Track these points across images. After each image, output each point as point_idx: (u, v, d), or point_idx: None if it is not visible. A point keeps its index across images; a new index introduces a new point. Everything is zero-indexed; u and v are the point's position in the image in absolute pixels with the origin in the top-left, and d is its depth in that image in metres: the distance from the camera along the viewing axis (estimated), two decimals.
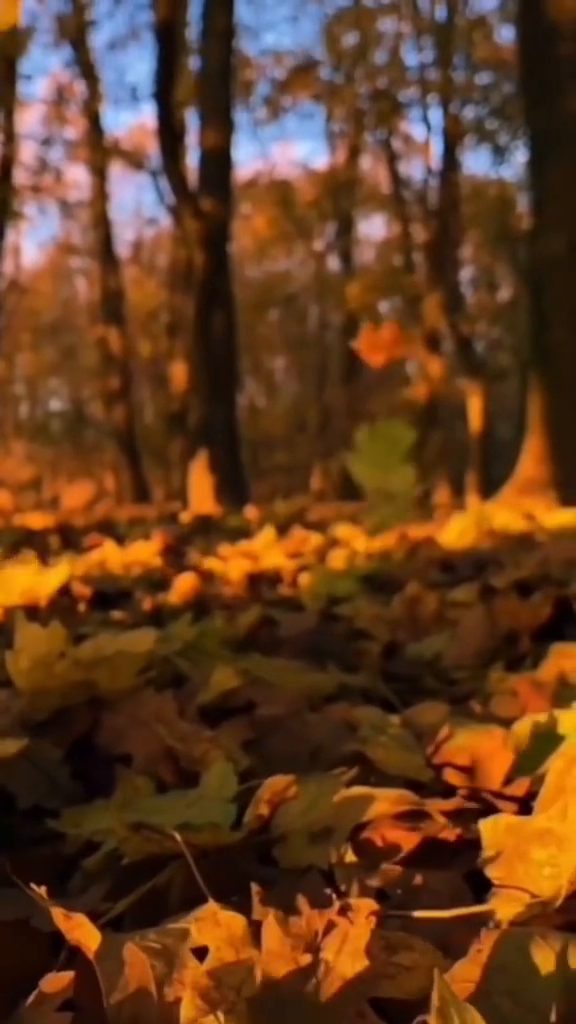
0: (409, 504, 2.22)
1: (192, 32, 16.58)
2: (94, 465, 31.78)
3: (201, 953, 0.67)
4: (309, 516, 6.81)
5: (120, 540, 3.78)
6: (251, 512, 7.35)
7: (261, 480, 26.65)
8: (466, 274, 29.57)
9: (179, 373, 18.91)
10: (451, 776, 1.02)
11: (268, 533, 3.68)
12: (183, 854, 0.80)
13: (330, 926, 0.67)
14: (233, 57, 15.40)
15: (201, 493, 12.39)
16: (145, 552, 3.09)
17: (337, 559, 2.89)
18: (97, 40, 36.14)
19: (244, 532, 4.84)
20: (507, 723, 1.11)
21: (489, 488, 13.62)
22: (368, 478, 2.32)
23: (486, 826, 0.79)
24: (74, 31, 20.67)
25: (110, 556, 3.01)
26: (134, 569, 2.89)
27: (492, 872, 0.77)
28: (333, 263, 29.91)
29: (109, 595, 2.42)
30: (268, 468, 32.00)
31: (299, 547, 3.56)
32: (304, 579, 2.60)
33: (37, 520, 6.12)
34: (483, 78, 23.13)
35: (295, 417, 33.47)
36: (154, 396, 31.55)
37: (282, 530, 4.50)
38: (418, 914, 0.71)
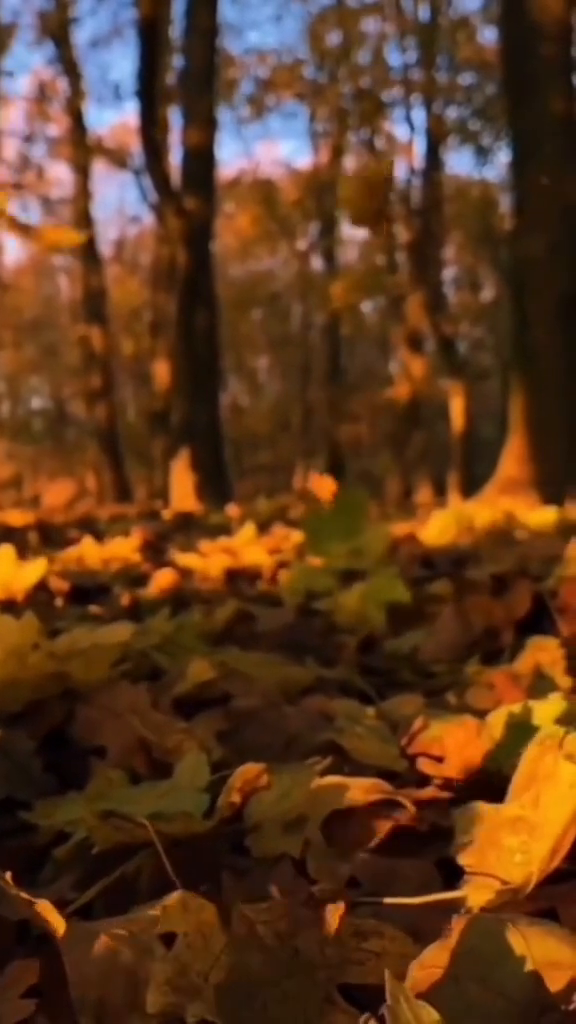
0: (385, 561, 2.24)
1: (175, 30, 16.55)
2: (76, 464, 31.66)
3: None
4: (291, 514, 6.80)
5: (100, 537, 3.77)
6: (232, 510, 7.34)
7: (244, 479, 26.62)
8: (449, 274, 29.65)
9: (162, 372, 18.87)
10: (425, 766, 1.02)
11: (248, 530, 3.68)
12: (154, 843, 0.80)
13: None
14: (216, 55, 15.37)
15: (183, 491, 12.37)
16: (124, 548, 3.07)
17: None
18: (80, 37, 36.08)
19: (225, 529, 4.83)
20: (482, 714, 1.11)
21: (471, 487, 13.65)
22: (338, 550, 2.32)
23: (459, 813, 0.79)
24: (57, 28, 20.59)
25: (89, 552, 3.00)
26: (113, 565, 2.88)
27: (464, 859, 0.77)
28: (316, 262, 29.93)
29: (87, 590, 2.41)
30: (251, 467, 31.98)
31: (279, 544, 3.56)
32: (283, 575, 2.59)
33: (16, 517, 6.09)
34: (466, 78, 23.20)
35: (278, 416, 33.47)
36: (136, 395, 31.46)
37: (264, 528, 4.49)
38: (388, 901, 0.71)
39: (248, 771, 0.88)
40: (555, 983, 0.61)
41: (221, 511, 7.50)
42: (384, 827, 0.87)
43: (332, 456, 26.64)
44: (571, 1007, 0.61)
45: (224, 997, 0.62)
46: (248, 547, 3.26)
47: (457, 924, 0.64)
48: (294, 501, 9.03)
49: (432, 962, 0.62)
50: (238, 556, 3.02)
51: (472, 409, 21.03)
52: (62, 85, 22.40)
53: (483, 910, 0.70)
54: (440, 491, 20.37)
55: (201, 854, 0.85)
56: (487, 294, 30.06)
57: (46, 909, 0.64)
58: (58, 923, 0.64)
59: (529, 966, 0.61)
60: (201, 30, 14.00)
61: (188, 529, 4.93)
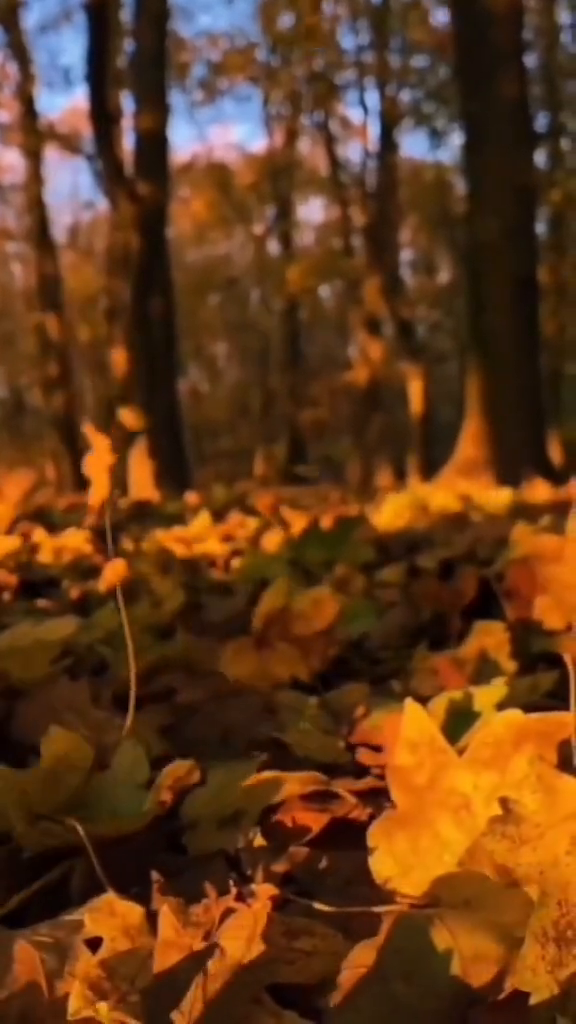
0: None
1: (126, 13, 16.34)
2: (34, 454, 31.35)
3: (96, 945, 0.66)
4: (249, 501, 6.77)
5: (53, 527, 3.72)
6: (191, 498, 7.30)
7: (205, 466, 26.51)
8: (405, 257, 29.66)
9: (119, 359, 18.70)
10: (363, 756, 1.01)
11: (203, 518, 3.65)
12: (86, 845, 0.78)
13: (228, 912, 0.66)
14: (168, 39, 15.22)
15: (141, 480, 12.29)
16: (76, 539, 3.03)
17: (271, 543, 2.87)
18: (29, 21, 35.56)
19: (181, 518, 4.79)
20: (426, 701, 1.11)
21: (431, 470, 13.70)
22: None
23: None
24: (5, 12, 20.25)
25: (40, 543, 2.96)
26: (64, 556, 2.85)
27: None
28: (273, 246, 29.79)
29: (36, 583, 2.38)
30: (212, 454, 31.85)
31: (234, 532, 3.54)
32: (236, 563, 2.58)
33: None
34: (419, 61, 23.14)
35: (238, 402, 33.37)
36: (95, 382, 31.18)
37: (220, 515, 4.46)
38: (318, 906, 0.70)
39: (178, 768, 0.87)
40: (483, 976, 0.60)
41: (179, 499, 7.46)
42: (322, 820, 0.87)
43: (293, 441, 26.62)
44: (500, 997, 0.60)
45: (149, 1001, 0.61)
46: (203, 536, 3.24)
47: (385, 922, 0.63)
48: (253, 487, 9.00)
49: (360, 961, 0.62)
50: (192, 545, 3.00)
51: (430, 392, 21.10)
52: (12, 70, 22.04)
53: (413, 905, 0.69)
54: (401, 474, 20.42)
55: (137, 854, 0.84)
56: (444, 277, 30.12)
57: None
58: None
59: (455, 961, 0.60)
60: (151, 13, 13.84)
61: (144, 518, 4.89)
